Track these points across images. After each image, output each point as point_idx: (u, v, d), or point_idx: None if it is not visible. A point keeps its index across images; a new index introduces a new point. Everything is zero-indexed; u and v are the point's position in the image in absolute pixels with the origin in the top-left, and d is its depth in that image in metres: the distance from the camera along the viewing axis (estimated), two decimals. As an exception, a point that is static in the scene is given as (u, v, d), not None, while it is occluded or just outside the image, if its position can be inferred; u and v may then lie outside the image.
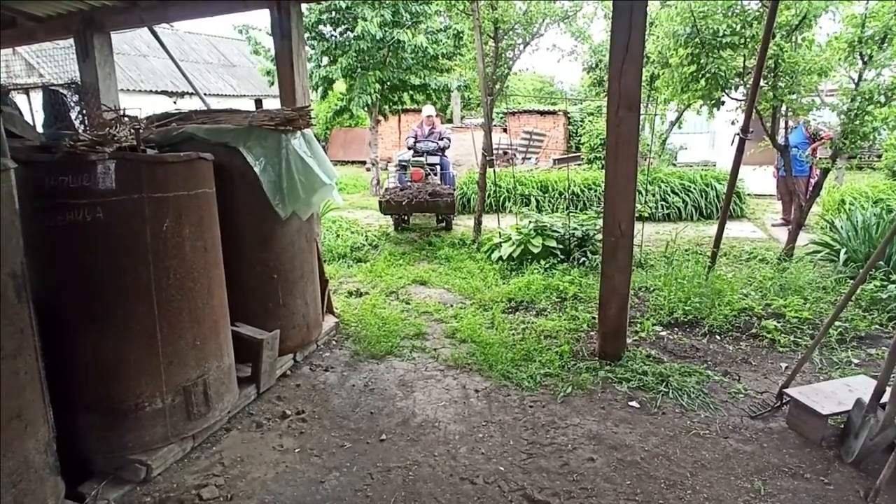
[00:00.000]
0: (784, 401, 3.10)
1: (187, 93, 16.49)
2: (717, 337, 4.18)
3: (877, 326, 4.26)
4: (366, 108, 11.40)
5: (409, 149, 8.26)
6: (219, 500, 2.48)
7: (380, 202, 6.98)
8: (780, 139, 5.72)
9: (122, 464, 2.59)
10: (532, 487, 2.52)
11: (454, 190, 7.59)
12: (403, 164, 7.93)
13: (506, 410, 3.20)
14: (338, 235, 7.22)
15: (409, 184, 7.41)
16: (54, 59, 7.15)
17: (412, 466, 2.71)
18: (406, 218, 7.97)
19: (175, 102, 16.98)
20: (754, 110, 5.10)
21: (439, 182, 7.67)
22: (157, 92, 16.16)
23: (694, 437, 2.89)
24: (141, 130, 2.75)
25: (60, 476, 2.33)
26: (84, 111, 4.82)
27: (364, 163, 15.72)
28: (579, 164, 11.75)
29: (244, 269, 3.40)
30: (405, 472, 2.67)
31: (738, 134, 4.84)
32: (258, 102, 3.76)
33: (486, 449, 2.84)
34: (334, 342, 4.23)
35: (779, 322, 4.28)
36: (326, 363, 3.86)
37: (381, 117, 12.23)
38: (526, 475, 2.62)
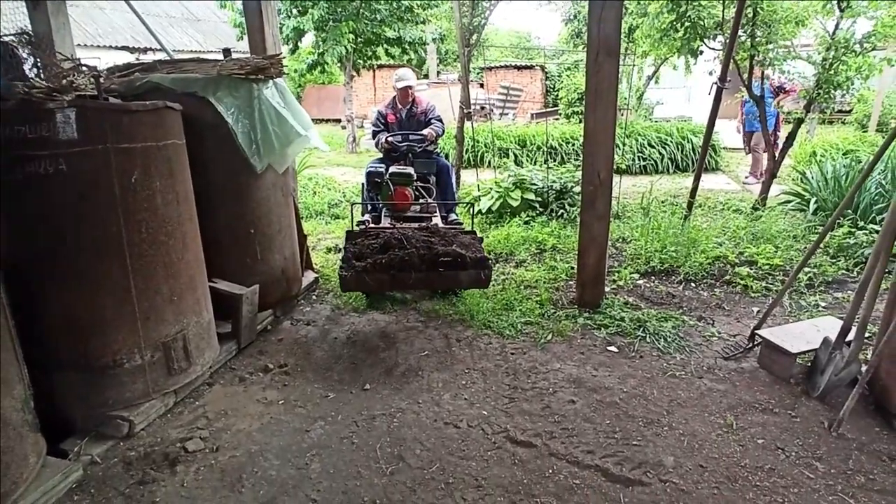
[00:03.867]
0: (755, 342, 3.22)
1: (149, 48, 15.58)
2: (693, 284, 4.29)
3: (843, 272, 4.42)
4: (339, 63, 11.02)
5: (380, 146, 4.78)
6: (204, 452, 2.48)
7: (342, 276, 3.23)
8: (756, 90, 5.73)
9: (103, 420, 2.57)
10: (515, 429, 2.59)
11: (476, 237, 3.69)
12: (376, 179, 4.42)
13: (488, 358, 3.25)
14: (314, 192, 7.09)
15: (385, 216, 4.31)
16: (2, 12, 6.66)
17: (396, 413, 2.75)
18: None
19: (137, 59, 16.17)
20: (732, 60, 5.08)
21: (432, 205, 4.37)
22: (116, 47, 15.28)
23: (670, 378, 2.99)
24: (101, 79, 2.60)
25: (41, 433, 2.30)
26: (39, 63, 4.54)
27: (339, 121, 15.34)
28: (557, 119, 11.65)
29: (219, 225, 3.31)
30: (389, 419, 2.71)
31: (716, 83, 4.82)
32: (226, 52, 3.58)
33: (469, 395, 2.89)
34: (315, 297, 4.21)
35: (751, 269, 4.40)
36: (307, 317, 3.85)
37: (354, 72, 11.86)
38: (509, 418, 2.69)
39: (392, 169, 4.30)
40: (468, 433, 2.59)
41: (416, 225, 3.93)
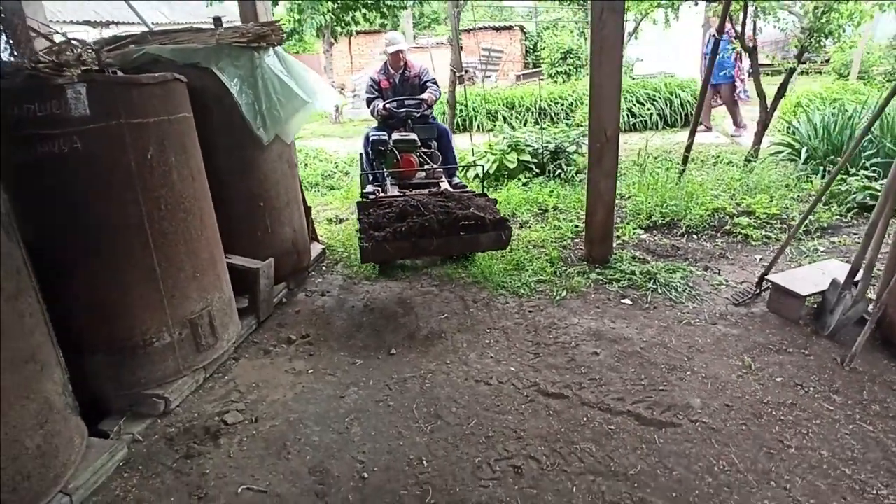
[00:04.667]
0: (763, 288, 3.33)
1: (112, 22, 14.95)
2: (695, 236, 4.38)
3: (837, 217, 4.55)
4: (316, 32, 10.68)
5: (377, 114, 4.72)
6: (244, 424, 2.52)
7: (362, 247, 3.14)
8: (749, 42, 5.74)
9: (137, 400, 2.58)
10: (545, 383, 2.68)
11: (490, 199, 3.66)
12: (380, 147, 4.27)
13: (507, 317, 3.32)
14: (306, 164, 6.99)
15: (392, 185, 4.24)
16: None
17: (427, 375, 2.81)
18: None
19: (101, 34, 15.40)
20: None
21: (437, 170, 4.37)
22: (77, 22, 14.56)
23: (686, 326, 3.10)
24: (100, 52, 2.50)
25: (78, 416, 2.31)
26: (11, 39, 4.31)
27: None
28: (542, 80, 11.53)
29: (228, 199, 3.26)
30: (421, 380, 2.77)
31: (714, 35, 4.82)
32: (217, 20, 3.45)
33: (494, 353, 2.96)
34: (325, 268, 4.21)
35: (750, 219, 4.50)
36: (321, 288, 3.85)
37: (333, 40, 11.52)
38: (537, 373, 2.77)
39: (395, 136, 4.22)
40: (500, 389, 2.67)
41: (426, 191, 3.90)
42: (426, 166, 4.35)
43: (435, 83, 4.88)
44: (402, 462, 2.25)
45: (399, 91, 4.84)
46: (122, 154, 2.34)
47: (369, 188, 4.32)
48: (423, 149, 4.42)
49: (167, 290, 2.56)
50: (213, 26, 3.40)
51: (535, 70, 14.21)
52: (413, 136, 4.23)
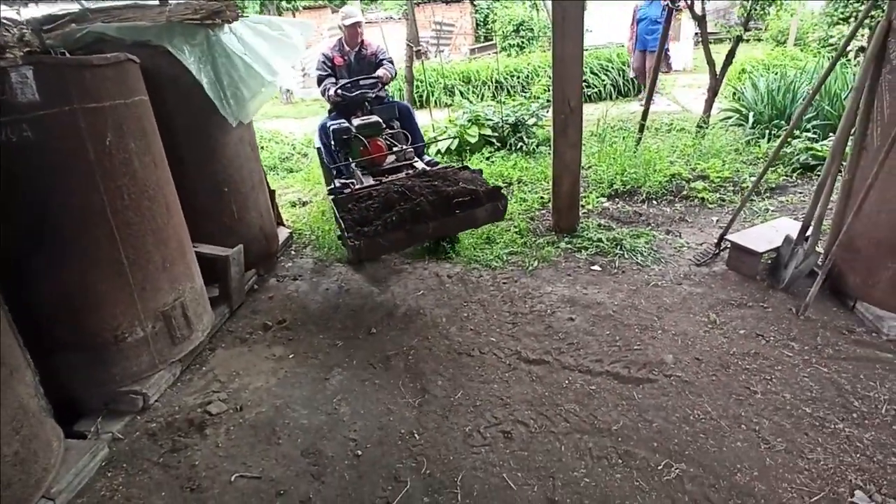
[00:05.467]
0: (722, 247, 3.51)
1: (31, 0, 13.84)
2: (655, 202, 4.54)
3: (784, 178, 4.81)
4: (260, 8, 10.25)
5: (329, 98, 4.27)
6: (229, 413, 2.49)
7: (352, 246, 2.94)
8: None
9: (114, 397, 2.50)
10: (525, 350, 2.75)
11: (475, 171, 3.56)
12: (344, 136, 3.92)
13: (482, 289, 3.37)
14: (263, 147, 6.76)
15: (365, 176, 3.77)
16: None
17: (409, 351, 2.84)
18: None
19: (18, 12, 14.23)
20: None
21: (409, 151, 4.02)
22: (-9, 0, 13.36)
23: (654, 288, 3.24)
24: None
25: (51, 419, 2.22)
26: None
27: (264, 69, 14.39)
28: (495, 53, 11.49)
29: (192, 185, 3.14)
30: (404, 356, 2.80)
31: (668, 4, 4.92)
32: (162, -6, 3.27)
33: (473, 325, 3.01)
34: (294, 252, 4.14)
35: (705, 183, 4.70)
36: (293, 273, 3.79)
37: (278, 16, 11.07)
38: (516, 341, 2.84)
39: (356, 121, 3.88)
40: (483, 359, 2.73)
41: (402, 174, 3.63)
42: (395, 149, 4.01)
43: (391, 62, 4.56)
44: (394, 437, 2.28)
45: (355, 70, 4.48)
46: (78, 142, 2.21)
47: (338, 182, 3.88)
48: (387, 130, 4.09)
49: (137, 283, 2.47)
50: (158, 2, 3.22)
51: (488, 43, 14.12)
52: (375, 118, 3.92)
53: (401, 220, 2.96)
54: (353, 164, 3.92)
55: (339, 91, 4.19)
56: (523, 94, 8.16)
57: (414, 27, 6.54)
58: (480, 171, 3.55)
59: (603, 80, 8.71)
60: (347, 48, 4.53)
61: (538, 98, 7.02)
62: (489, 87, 8.68)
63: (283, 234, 4.21)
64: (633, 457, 2.08)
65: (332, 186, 3.90)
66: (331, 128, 4.02)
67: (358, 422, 2.38)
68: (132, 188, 2.41)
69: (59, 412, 2.32)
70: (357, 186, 3.49)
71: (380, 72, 4.40)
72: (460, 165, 3.71)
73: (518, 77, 8.85)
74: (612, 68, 8.78)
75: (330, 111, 4.47)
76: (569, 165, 3.87)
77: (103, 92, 2.28)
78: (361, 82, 4.25)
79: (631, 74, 8.36)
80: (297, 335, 3.07)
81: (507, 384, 2.53)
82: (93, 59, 2.26)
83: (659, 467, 2.02)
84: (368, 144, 3.84)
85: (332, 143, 4.07)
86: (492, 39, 14.31)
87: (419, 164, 3.91)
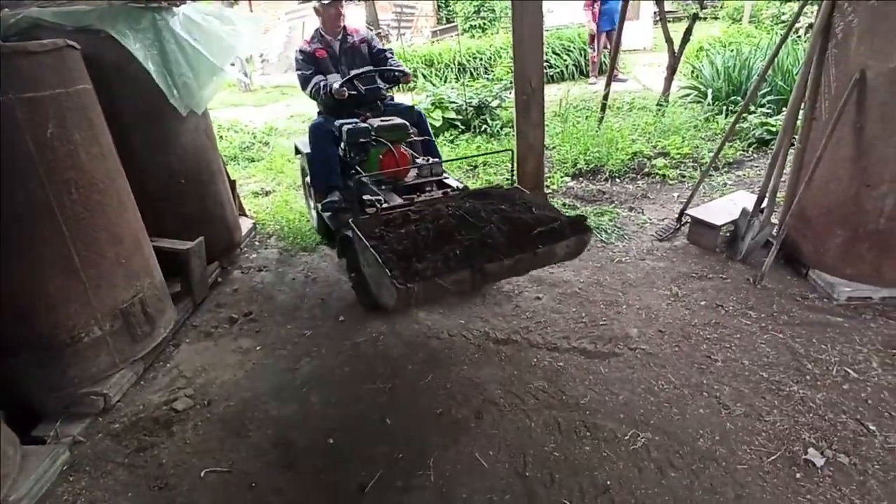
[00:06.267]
0: (683, 222, 3.60)
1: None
2: (617, 180, 4.61)
3: (741, 153, 4.95)
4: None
5: (324, 95, 3.39)
6: (196, 409, 2.43)
7: (401, 290, 1.96)
8: None
9: (73, 400, 2.41)
10: (493, 331, 2.78)
11: (540, 194, 3.26)
12: (361, 139, 3.15)
13: (451, 274, 3.37)
14: (221, 137, 6.57)
15: (386, 192, 2.95)
16: None
17: (379, 337, 2.83)
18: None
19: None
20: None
21: (436, 164, 3.12)
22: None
23: (618, 264, 3.30)
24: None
25: (6, 425, 2.13)
26: None
27: (220, 56, 13.90)
28: (457, 35, 11.39)
29: (146, 177, 3.02)
30: (374, 342, 2.79)
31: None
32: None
33: (442, 308, 3.02)
34: (258, 243, 4.05)
35: (665, 160, 4.79)
36: (257, 264, 3.72)
37: (233, 0, 10.70)
38: (485, 322, 2.86)
39: (377, 122, 3.14)
40: (452, 342, 2.74)
41: (439, 193, 2.85)
42: (420, 160, 3.08)
43: (392, 54, 3.72)
44: (366, 423, 2.28)
45: (344, 64, 3.57)
46: (14, 133, 2.09)
47: (336, 196, 3.32)
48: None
49: (91, 280, 2.37)
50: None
51: (449, 25, 13.98)
52: (400, 119, 3.19)
53: (467, 255, 2.11)
54: (362, 176, 2.96)
55: (342, 87, 3.27)
56: (486, 76, 8.13)
57: (374, 9, 6.40)
58: (545, 196, 2.86)
59: (565, 61, 8.74)
60: (329, 37, 3.58)
61: (501, 80, 7.01)
62: (452, 69, 8.61)
63: (246, 224, 4.12)
64: (600, 429, 2.13)
65: (331, 201, 3.31)
66: (344, 128, 3.17)
67: (329, 410, 2.37)
68: (80, 181, 2.31)
69: (15, 418, 2.24)
70: (386, 205, 2.63)
71: (402, 68, 3.60)
72: (509, 185, 2.87)
73: (481, 59, 8.80)
74: (574, 48, 8.81)
75: (320, 112, 3.69)
76: (532, 146, 3.88)
77: (42, 81, 2.16)
78: (381, 76, 3.47)
79: (592, 53, 8.42)
80: (264, 327, 3.02)
81: (477, 365, 2.55)
82: (28, 45, 2.13)
83: (626, 437, 2.07)
84: (394, 151, 3.04)
85: (345, 146, 3.22)
86: (454, 21, 14.17)
87: (452, 182, 3.03)
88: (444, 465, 2.04)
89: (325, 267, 3.62)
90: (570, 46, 8.81)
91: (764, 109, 5.27)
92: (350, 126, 3.17)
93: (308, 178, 3.84)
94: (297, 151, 4.01)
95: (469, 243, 2.16)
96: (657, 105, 6.20)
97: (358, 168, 3.18)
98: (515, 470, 1.98)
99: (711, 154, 4.70)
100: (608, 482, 1.89)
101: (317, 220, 3.94)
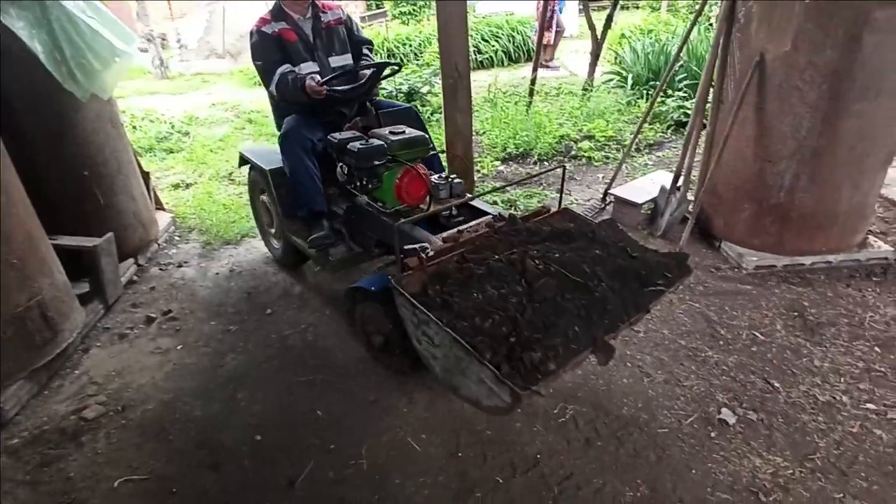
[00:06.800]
0: (608, 201, 3.72)
1: None
2: (545, 163, 4.71)
3: (661, 134, 5.18)
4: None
5: (308, 89, 2.52)
6: (109, 416, 2.27)
7: (512, 393, 1.38)
8: None
9: (-38, 415, 2.18)
10: (427, 316, 2.76)
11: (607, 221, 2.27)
12: (376, 159, 2.37)
13: (382, 260, 3.32)
14: (134, 127, 6.14)
15: (415, 229, 2.22)
16: None
17: (308, 328, 2.74)
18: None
19: None
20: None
21: (456, 183, 2.49)
22: None
23: (547, 245, 3.36)
24: None
25: None
26: None
27: (133, 42, 12.97)
28: (387, 20, 11.20)
29: (42, 170, 2.78)
30: (303, 334, 2.70)
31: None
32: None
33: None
34: (177, 238, 3.82)
35: (591, 142, 4.94)
36: (177, 259, 3.51)
37: (143, -21, 9.98)
38: (418, 308, 2.84)
39: (388, 135, 2.42)
40: (385, 330, 2.70)
41: (477, 223, 2.20)
42: (438, 180, 2.47)
43: (371, 44, 3.04)
44: (297, 417, 2.21)
45: (320, 49, 2.74)
46: None
47: (322, 232, 2.66)
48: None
49: (-23, 284, 2.15)
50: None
51: (378, 11, 13.73)
52: (417, 131, 2.52)
53: (587, 327, 1.62)
54: (403, 222, 1.98)
55: (323, 83, 2.53)
56: (416, 61, 8.05)
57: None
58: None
59: (494, 47, 8.80)
60: (296, 15, 2.75)
61: (430, 65, 6.96)
62: (381, 55, 8.45)
63: (163, 219, 3.87)
64: (531, 404, 2.16)
65: (321, 236, 2.62)
66: (351, 147, 2.35)
67: (257, 406, 2.28)
68: (-44, 174, 2.07)
69: None
70: (431, 249, 1.92)
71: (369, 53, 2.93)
72: (560, 206, 2.26)
73: (410, 45, 8.70)
74: (503, 35, 8.89)
75: (282, 115, 2.79)
76: (461, 130, 3.87)
77: None
78: (373, 69, 2.65)
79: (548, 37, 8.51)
80: (186, 324, 2.85)
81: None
82: None
83: (555, 411, 2.13)
84: (419, 174, 2.39)
85: (351, 170, 2.47)
86: (382, 7, 13.93)
87: (485, 207, 2.45)
88: (377, 452, 2.01)
89: (251, 260, 3.47)
90: (498, 33, 8.88)
91: (680, 93, 5.54)
92: (361, 145, 2.34)
93: (266, 198, 3.05)
94: (244, 162, 3.11)
95: (582, 312, 1.64)
96: (582, 90, 6.37)
97: (371, 196, 2.50)
98: (448, 451, 1.98)
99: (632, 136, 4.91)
100: (538, 455, 1.93)
101: (283, 251, 3.19)
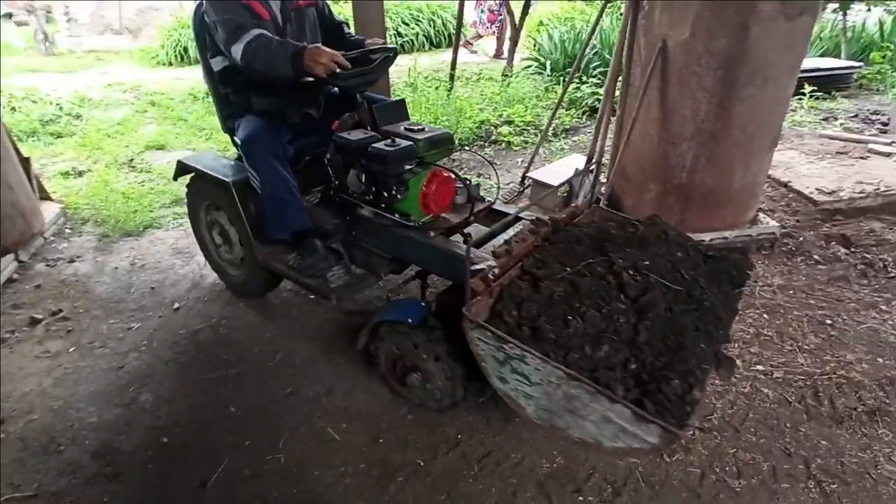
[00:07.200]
0: (526, 185, 3.80)
1: None
2: (467, 147, 4.73)
3: (577, 120, 5.35)
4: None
5: (276, 62, 1.93)
6: (-14, 429, 2.03)
7: (676, 435, 1.23)
8: None
9: None
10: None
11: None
12: (407, 163, 1.95)
13: (301, 249, 3.20)
14: (13, 108, 5.50)
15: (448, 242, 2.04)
16: None
17: (221, 321, 2.59)
18: None
19: None
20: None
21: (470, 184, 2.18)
22: None
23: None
24: None
25: None
26: None
27: (10, 15, 11.61)
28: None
29: None
30: (215, 329, 2.55)
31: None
32: None
33: (290, 286, 2.84)
34: (68, 230, 3.47)
35: (510, 127, 5.02)
36: (68, 254, 3.19)
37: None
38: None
39: (413, 132, 2.01)
40: (302, 318, 2.61)
41: (520, 228, 1.97)
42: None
43: (348, 26, 2.56)
44: (208, 415, 2.08)
45: (292, 35, 2.19)
46: None
47: (315, 250, 2.25)
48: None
49: None
50: None
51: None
52: (440, 128, 2.13)
53: (708, 341, 1.49)
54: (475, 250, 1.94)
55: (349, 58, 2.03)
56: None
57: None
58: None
59: (414, 30, 8.70)
60: None
61: (350, 48, 6.75)
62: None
63: (50, 210, 3.50)
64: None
65: (314, 260, 2.23)
66: (378, 149, 1.91)
67: (163, 407, 2.12)
68: None
69: None
70: (497, 268, 1.65)
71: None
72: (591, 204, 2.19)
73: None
74: (423, 19, 8.80)
75: (233, 112, 2.31)
76: (380, 113, 3.79)
77: None
78: (374, 54, 2.15)
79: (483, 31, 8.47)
80: (79, 325, 2.60)
81: (331, 338, 2.45)
82: None
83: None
84: (448, 177, 2.10)
85: (384, 176, 1.96)
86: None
87: (504, 207, 2.38)
88: (295, 445, 1.94)
89: (156, 251, 3.23)
90: (418, 17, 8.78)
91: (595, 80, 5.74)
92: (390, 146, 1.91)
93: (224, 218, 2.53)
94: (183, 172, 2.55)
95: (700, 325, 1.49)
96: (502, 76, 6.45)
97: (390, 207, 2.06)
98: (370, 438, 1.95)
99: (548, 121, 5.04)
100: (459, 435, 1.94)
101: (247, 280, 2.63)
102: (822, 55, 6.74)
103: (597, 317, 1.44)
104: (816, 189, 3.61)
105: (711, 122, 2.85)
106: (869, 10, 7.29)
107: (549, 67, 6.42)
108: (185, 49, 8.22)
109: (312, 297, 2.69)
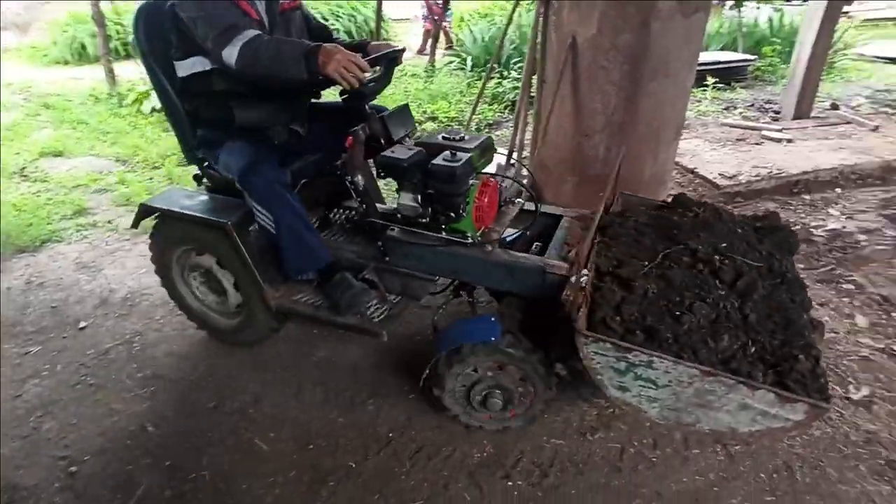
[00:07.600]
0: (451, 180, 3.84)
1: None
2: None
3: (499, 114, 5.46)
4: None
5: (284, 67, 1.64)
6: None
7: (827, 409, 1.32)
8: None
9: None
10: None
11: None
12: (463, 184, 1.75)
13: (221, 256, 3.07)
14: None
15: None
16: None
17: (134, 338, 2.44)
18: None
19: None
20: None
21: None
22: None
23: (395, 226, 3.38)
24: None
25: None
26: None
27: None
28: None
29: None
30: (128, 346, 2.40)
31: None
32: None
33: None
34: (-48, 249, 3.14)
35: (434, 123, 5.04)
36: (-49, 275, 2.89)
37: None
38: (262, 302, 2.67)
39: (459, 142, 1.87)
40: (223, 330, 2.50)
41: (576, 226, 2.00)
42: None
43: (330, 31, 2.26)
44: (123, 438, 1.96)
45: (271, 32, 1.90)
46: None
47: (350, 287, 2.00)
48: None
49: None
50: None
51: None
52: (481, 134, 2.11)
53: (806, 312, 1.57)
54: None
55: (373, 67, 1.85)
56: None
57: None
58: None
59: (335, 26, 8.53)
60: None
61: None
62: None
63: (-72, 226, 3.14)
64: (383, 385, 2.16)
65: (354, 293, 1.99)
66: (441, 165, 1.72)
67: (69, 435, 1.97)
68: None
69: None
70: (586, 275, 1.56)
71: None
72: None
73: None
74: (343, 14, 8.66)
75: (206, 138, 2.01)
76: (299, 112, 3.69)
77: None
78: (388, 58, 1.94)
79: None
80: (-34, 353, 2.37)
81: (254, 350, 2.36)
82: None
83: (405, 388, 2.14)
84: (496, 188, 2.06)
85: (450, 196, 1.76)
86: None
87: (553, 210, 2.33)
88: (220, 460, 1.86)
89: (57, 268, 2.98)
90: (338, 12, 8.63)
91: (515, 74, 5.87)
92: (450, 161, 1.72)
93: (216, 264, 2.19)
94: (147, 214, 2.19)
95: (796, 298, 1.55)
96: (425, 72, 6.46)
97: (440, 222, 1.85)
98: (300, 445, 1.91)
99: (475, 117, 5.11)
100: (390, 434, 1.93)
101: (246, 328, 2.27)
102: (722, 49, 7.26)
103: (705, 308, 1.43)
104: (719, 174, 3.89)
105: (620, 114, 2.99)
106: (758, 7, 7.93)
107: (470, 63, 6.51)
108: (83, 46, 7.63)
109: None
